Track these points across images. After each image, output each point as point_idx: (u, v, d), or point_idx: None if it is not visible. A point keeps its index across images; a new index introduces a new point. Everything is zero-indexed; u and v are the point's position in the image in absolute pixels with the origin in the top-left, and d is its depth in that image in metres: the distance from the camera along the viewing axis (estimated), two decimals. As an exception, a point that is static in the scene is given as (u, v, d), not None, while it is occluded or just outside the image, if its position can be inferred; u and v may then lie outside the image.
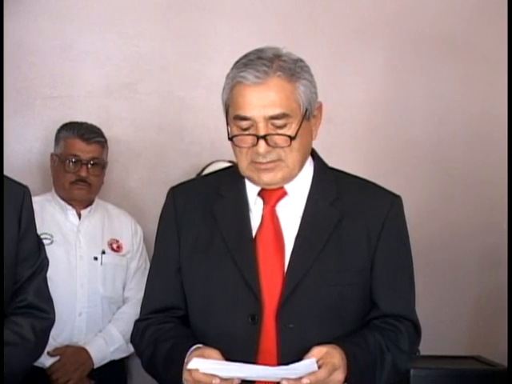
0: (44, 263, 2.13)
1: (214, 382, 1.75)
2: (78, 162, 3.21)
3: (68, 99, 3.56)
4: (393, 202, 2.01)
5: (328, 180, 2.01)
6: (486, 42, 3.79)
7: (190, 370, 1.78)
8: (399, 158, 3.76)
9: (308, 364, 1.77)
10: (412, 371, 3.18)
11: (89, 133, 3.24)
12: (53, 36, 3.56)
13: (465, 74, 3.79)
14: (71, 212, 3.26)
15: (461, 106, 3.79)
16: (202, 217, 2.00)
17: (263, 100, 1.88)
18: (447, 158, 3.80)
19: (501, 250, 3.67)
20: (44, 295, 2.12)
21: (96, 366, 3.16)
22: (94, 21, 3.59)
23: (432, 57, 3.76)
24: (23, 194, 2.09)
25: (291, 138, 1.89)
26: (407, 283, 2.02)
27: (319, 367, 1.77)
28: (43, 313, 2.10)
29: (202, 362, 1.77)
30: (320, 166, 2.04)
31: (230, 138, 1.93)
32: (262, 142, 1.89)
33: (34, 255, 2.10)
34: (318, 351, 1.80)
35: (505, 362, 3.24)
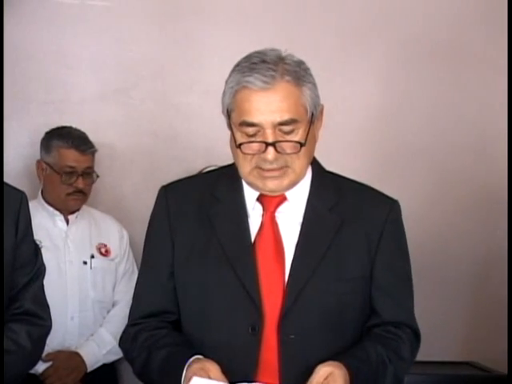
0: (41, 270, 2.10)
1: None
2: (74, 173, 3.21)
3: (62, 104, 3.55)
4: (391, 206, 1.99)
5: (326, 184, 1.98)
6: (479, 47, 3.79)
7: None
8: (394, 162, 3.76)
9: None
10: (406, 377, 3.16)
11: (84, 143, 3.25)
12: (48, 41, 3.55)
13: (459, 79, 3.79)
14: (59, 218, 3.26)
15: (456, 111, 3.79)
16: (197, 219, 1.95)
17: (271, 106, 1.82)
18: (443, 162, 3.79)
19: (496, 254, 3.68)
20: (41, 302, 2.10)
21: (89, 369, 3.17)
22: (89, 26, 3.58)
23: (427, 62, 3.76)
24: (20, 200, 2.07)
25: (301, 145, 1.85)
26: (407, 289, 2.00)
27: None
28: (40, 320, 2.08)
29: (203, 382, 1.73)
30: (318, 170, 2.00)
31: (238, 146, 1.86)
32: (270, 149, 1.83)
33: (31, 261, 2.08)
34: (324, 372, 1.76)
35: (500, 368, 3.25)
